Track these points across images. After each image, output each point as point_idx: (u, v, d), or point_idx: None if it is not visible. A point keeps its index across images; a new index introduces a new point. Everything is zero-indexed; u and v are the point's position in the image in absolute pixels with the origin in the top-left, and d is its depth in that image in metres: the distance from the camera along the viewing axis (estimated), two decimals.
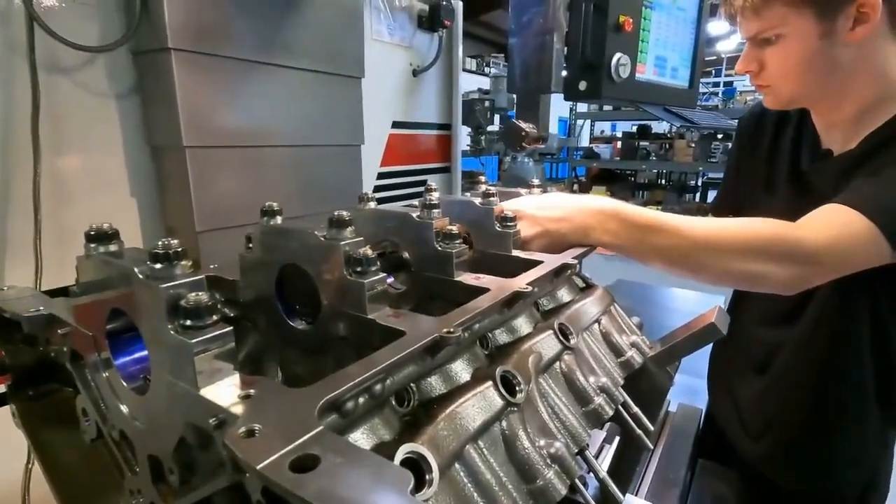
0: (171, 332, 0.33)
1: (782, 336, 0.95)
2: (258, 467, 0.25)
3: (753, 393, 1.03)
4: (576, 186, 7.65)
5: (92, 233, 0.40)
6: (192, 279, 0.34)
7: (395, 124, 1.83)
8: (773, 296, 0.78)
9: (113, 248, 0.40)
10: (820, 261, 0.69)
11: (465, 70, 2.12)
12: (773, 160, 1.00)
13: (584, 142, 9.18)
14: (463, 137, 2.30)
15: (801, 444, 0.98)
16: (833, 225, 0.70)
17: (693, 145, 6.63)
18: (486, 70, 9.09)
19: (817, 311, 0.89)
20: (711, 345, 1.29)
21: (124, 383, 0.41)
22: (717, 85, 11.67)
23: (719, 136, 6.42)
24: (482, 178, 0.87)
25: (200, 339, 0.32)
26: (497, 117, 4.74)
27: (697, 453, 1.05)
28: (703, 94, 8.55)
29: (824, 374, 0.92)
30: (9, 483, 0.98)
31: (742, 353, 1.07)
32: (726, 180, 1.18)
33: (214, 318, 0.33)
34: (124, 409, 0.41)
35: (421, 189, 2.10)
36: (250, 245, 0.56)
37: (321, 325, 0.52)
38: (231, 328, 0.34)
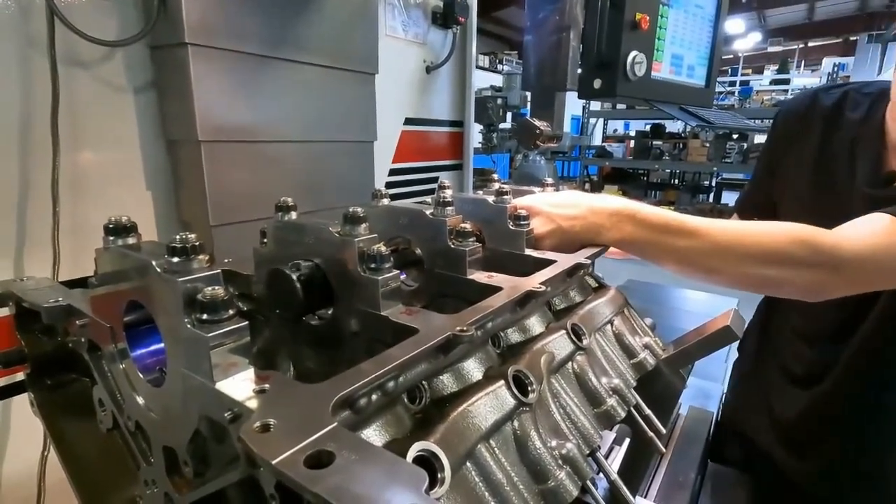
0: (188, 326, 0.33)
1: (834, 352, 0.90)
2: (273, 462, 0.25)
3: (798, 408, 0.97)
4: (587, 185, 7.61)
5: (111, 225, 0.40)
6: (208, 273, 0.34)
7: (408, 121, 1.83)
8: (818, 310, 0.75)
9: (131, 241, 0.41)
10: (855, 270, 0.66)
11: (477, 67, 2.11)
12: (822, 167, 0.91)
13: (597, 140, 9.13)
14: (475, 135, 2.30)
15: (855, 462, 0.93)
16: (877, 234, 0.66)
17: (707, 145, 6.56)
18: (499, 67, 9.06)
19: (876, 328, 0.83)
20: (735, 353, 1.27)
21: (140, 375, 0.41)
22: (733, 84, 11.50)
23: (734, 136, 6.35)
24: (495, 176, 0.86)
25: (216, 332, 0.33)
26: (509, 115, 4.73)
27: (708, 457, 1.04)
28: (720, 93, 8.45)
29: (885, 391, 0.88)
30: (25, 470, 1.00)
31: (779, 367, 1.02)
32: (755, 180, 1.10)
33: (230, 312, 0.34)
34: (140, 400, 0.41)
35: (432, 186, 2.10)
36: (265, 240, 0.56)
37: (334, 321, 0.52)
38: (246, 322, 0.34)
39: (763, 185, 1.06)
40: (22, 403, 1.00)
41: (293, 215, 0.54)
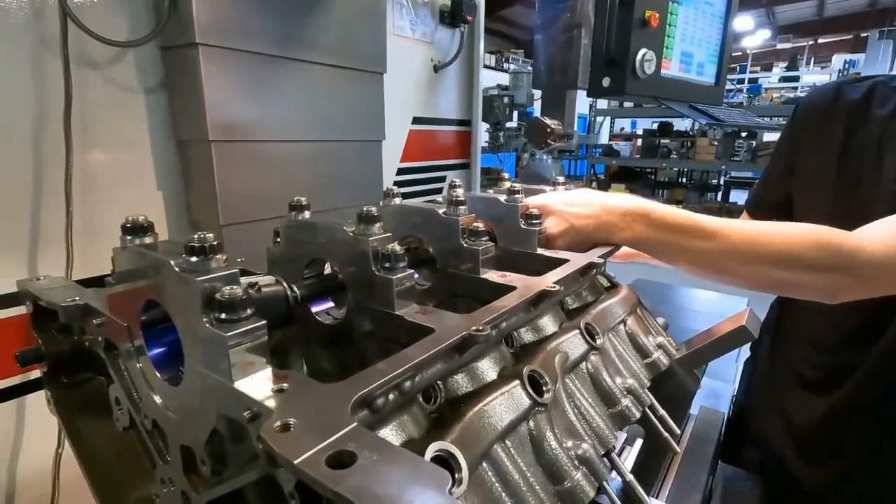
0: (206, 325, 0.33)
1: (853, 358, 0.87)
2: (296, 462, 0.25)
3: (813, 413, 0.94)
4: (594, 184, 7.59)
5: (128, 225, 0.41)
6: (226, 273, 0.34)
7: (416, 120, 1.83)
8: (833, 315, 0.72)
9: (148, 240, 0.41)
10: (877, 273, 0.64)
11: (484, 66, 2.11)
12: (846, 164, 0.87)
13: (604, 139, 9.08)
14: (482, 134, 2.30)
15: (872, 465, 0.90)
16: None
17: (716, 143, 6.52)
18: (505, 66, 9.03)
19: None
20: (745, 352, 1.25)
21: (157, 374, 0.42)
22: (741, 81, 11.41)
23: (743, 135, 6.30)
24: (505, 175, 0.86)
25: (235, 332, 0.33)
26: (516, 114, 4.72)
27: (719, 458, 1.03)
28: (728, 91, 8.39)
29: None
30: (39, 468, 1.01)
31: (792, 371, 1.00)
32: (770, 177, 1.05)
33: (249, 311, 0.34)
34: (157, 399, 0.42)
35: (440, 185, 2.09)
36: (278, 239, 0.56)
37: (347, 321, 0.52)
38: (264, 322, 0.34)
39: (780, 182, 1.02)
40: (36, 401, 1.01)
41: (306, 214, 0.54)
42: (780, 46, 14.73)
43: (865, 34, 11.63)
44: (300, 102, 1.25)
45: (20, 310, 0.95)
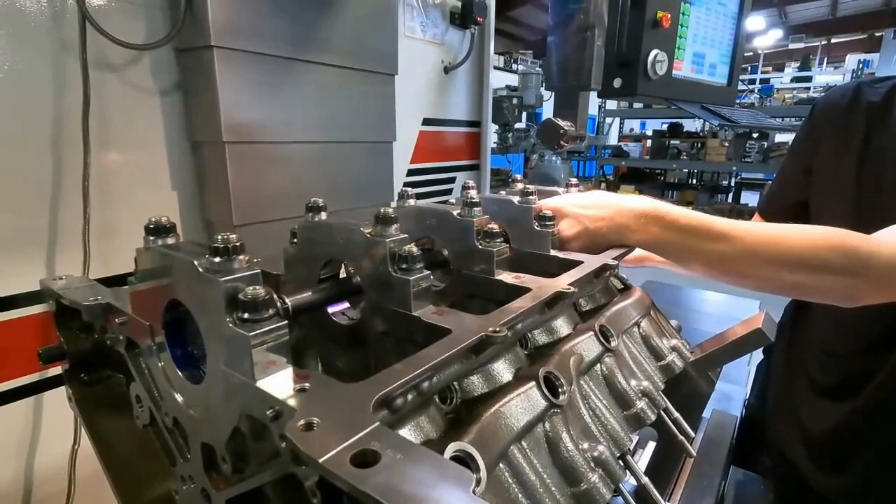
0: (229, 325, 0.34)
1: (869, 366, 0.86)
2: (321, 461, 0.25)
3: (828, 422, 0.93)
4: (603, 185, 7.56)
5: (151, 226, 0.41)
6: (249, 273, 0.35)
7: (426, 121, 1.84)
8: (849, 321, 0.71)
9: (171, 240, 0.42)
10: (893, 276, 0.63)
11: (493, 67, 2.11)
12: (867, 165, 0.85)
13: (613, 140, 9.03)
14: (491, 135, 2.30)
15: (891, 480, 0.89)
16: None
17: (727, 144, 6.46)
18: (514, 67, 9.02)
19: None
20: (756, 355, 1.24)
21: (179, 372, 0.42)
22: (753, 82, 11.31)
23: (754, 135, 6.24)
24: (518, 177, 0.86)
25: (258, 331, 0.33)
26: (525, 115, 4.71)
27: (731, 462, 1.02)
28: (740, 91, 8.31)
29: None
30: (55, 465, 1.03)
31: (806, 376, 0.99)
32: (786, 179, 1.04)
33: (271, 311, 0.34)
34: (178, 397, 0.42)
35: (450, 187, 2.08)
36: (295, 240, 0.56)
37: (363, 321, 0.53)
38: (286, 322, 0.35)
39: (796, 183, 1.01)
40: (52, 398, 1.03)
41: (323, 216, 0.54)
42: (792, 46, 14.55)
43: (879, 34, 11.45)
44: (313, 104, 1.26)
45: (32, 309, 0.97)
